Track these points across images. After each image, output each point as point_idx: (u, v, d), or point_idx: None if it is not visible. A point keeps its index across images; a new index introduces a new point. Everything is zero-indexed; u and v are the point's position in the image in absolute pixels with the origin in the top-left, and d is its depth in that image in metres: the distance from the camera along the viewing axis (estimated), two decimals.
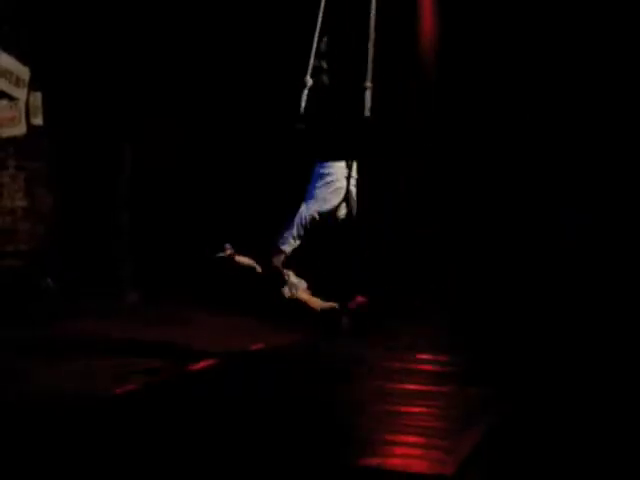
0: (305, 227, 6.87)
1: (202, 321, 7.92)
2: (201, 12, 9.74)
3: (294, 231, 6.85)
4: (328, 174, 6.89)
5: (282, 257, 6.83)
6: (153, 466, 4.31)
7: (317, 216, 6.83)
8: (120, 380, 5.76)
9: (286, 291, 6.84)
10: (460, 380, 6.03)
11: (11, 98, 8.42)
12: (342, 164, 6.91)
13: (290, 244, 6.88)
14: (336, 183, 6.86)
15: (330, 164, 6.91)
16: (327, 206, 6.82)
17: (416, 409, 5.34)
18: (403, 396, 5.62)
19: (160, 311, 8.21)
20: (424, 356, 6.74)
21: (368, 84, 6.97)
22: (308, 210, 6.82)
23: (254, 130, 9.85)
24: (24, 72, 8.48)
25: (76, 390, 5.53)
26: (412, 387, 5.85)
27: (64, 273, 8.62)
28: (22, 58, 8.44)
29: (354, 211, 6.87)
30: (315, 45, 7.01)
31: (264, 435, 4.73)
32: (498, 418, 5.20)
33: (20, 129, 8.46)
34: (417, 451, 4.62)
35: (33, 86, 8.54)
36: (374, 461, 4.41)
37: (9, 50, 8.34)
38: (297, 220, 6.85)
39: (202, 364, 6.30)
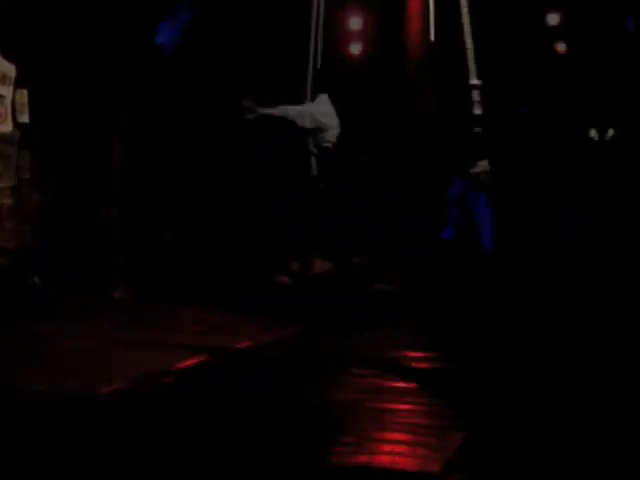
0: None
1: (191, 318, 7.86)
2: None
3: None
4: None
5: None
6: (140, 464, 4.26)
7: None
8: (107, 378, 5.68)
9: None
10: (449, 378, 6.00)
11: None
12: None
13: None
14: None
15: None
16: None
17: (404, 406, 5.30)
18: (391, 393, 5.58)
19: (148, 307, 8.17)
20: (413, 353, 6.70)
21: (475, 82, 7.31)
22: None
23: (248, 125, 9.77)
24: (10, 70, 8.45)
25: (62, 389, 5.44)
26: (400, 384, 5.80)
27: (53, 270, 8.58)
28: (8, 56, 8.37)
29: None
30: None
31: (251, 434, 4.69)
32: (486, 417, 5.16)
33: (6, 126, 8.44)
34: (404, 448, 4.59)
35: (19, 83, 8.46)
36: (361, 459, 4.38)
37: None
38: None
39: (189, 362, 6.24)
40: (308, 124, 8.17)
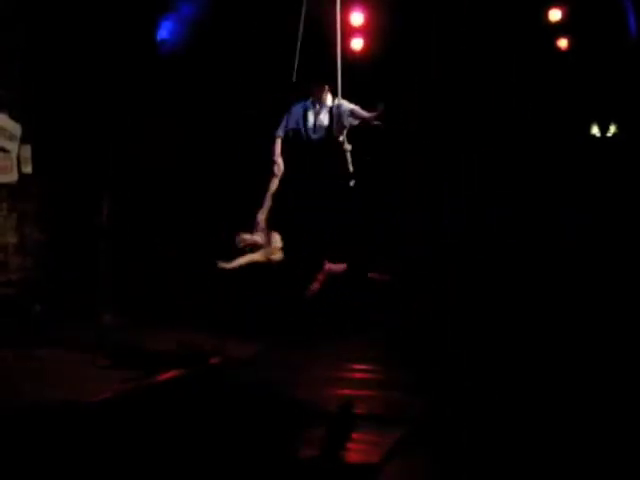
0: None
1: (170, 338, 7.80)
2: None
3: None
4: None
5: None
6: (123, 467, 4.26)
7: None
8: (96, 388, 5.66)
9: None
10: (388, 386, 6.04)
11: (5, 151, 8.54)
12: None
13: None
14: None
15: None
16: None
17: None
18: (338, 401, 5.64)
19: (130, 330, 8.08)
20: (358, 366, 6.72)
21: None
22: None
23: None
24: (16, 128, 8.68)
25: (54, 399, 5.44)
26: (346, 392, 5.85)
27: (50, 299, 8.56)
28: (15, 116, 8.45)
29: None
30: None
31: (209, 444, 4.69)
32: (418, 417, 5.23)
33: (12, 177, 8.53)
34: (349, 445, 4.66)
35: (24, 140, 8.55)
36: (311, 452, 4.43)
37: (3, 110, 8.39)
38: None
39: (165, 376, 6.22)
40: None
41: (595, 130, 10.20)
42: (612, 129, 10.30)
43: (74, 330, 8.05)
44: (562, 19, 9.59)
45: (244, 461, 4.32)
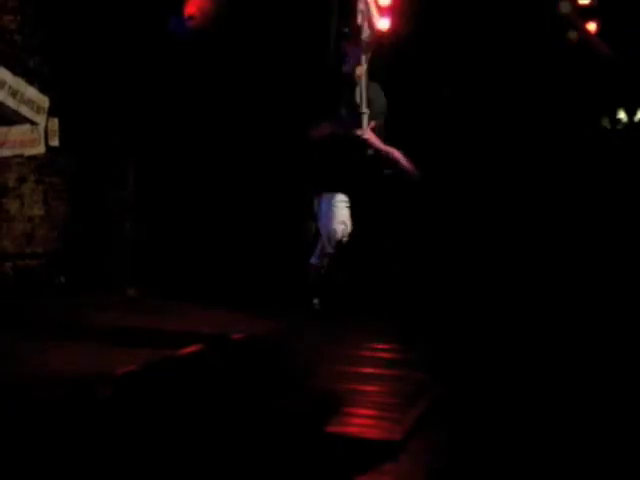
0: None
1: (193, 312, 7.85)
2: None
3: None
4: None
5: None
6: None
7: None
8: (119, 362, 5.69)
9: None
10: (409, 365, 6.03)
11: (32, 123, 8.53)
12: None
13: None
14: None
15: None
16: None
17: (370, 388, 5.36)
18: (360, 378, 5.62)
19: (154, 304, 8.13)
20: (379, 345, 6.72)
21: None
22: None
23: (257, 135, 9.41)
24: (44, 101, 8.71)
25: (77, 372, 5.48)
26: (368, 370, 5.85)
27: (75, 272, 8.61)
28: (43, 89, 8.48)
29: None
30: None
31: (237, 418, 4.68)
32: (438, 396, 5.24)
33: (39, 149, 8.60)
34: (370, 422, 4.67)
35: (51, 113, 8.58)
36: (334, 429, 4.44)
37: (32, 82, 8.39)
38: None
39: (187, 350, 6.23)
40: None
41: (622, 115, 10.06)
42: (622, 119, 10.19)
43: (96, 303, 8.13)
44: (591, 2, 9.37)
45: (263, 437, 4.36)
